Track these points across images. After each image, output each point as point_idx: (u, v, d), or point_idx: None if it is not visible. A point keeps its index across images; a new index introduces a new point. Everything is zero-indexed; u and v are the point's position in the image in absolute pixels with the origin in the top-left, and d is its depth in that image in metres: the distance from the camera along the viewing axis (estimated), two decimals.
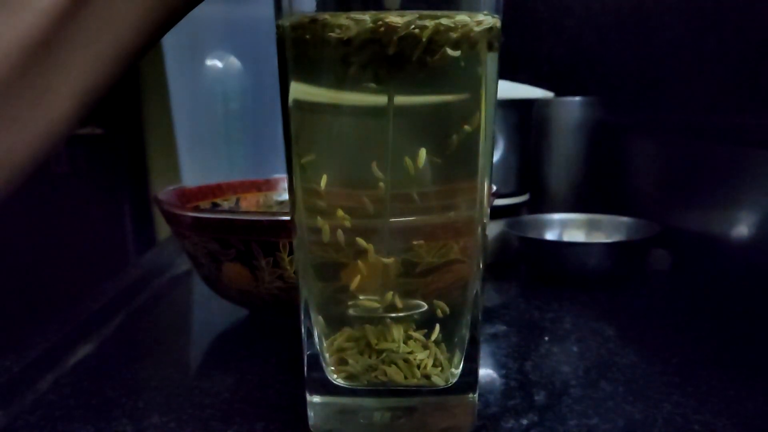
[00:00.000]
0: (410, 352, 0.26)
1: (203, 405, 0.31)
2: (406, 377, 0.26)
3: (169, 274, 0.59)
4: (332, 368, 0.27)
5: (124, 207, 1.15)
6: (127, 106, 1.10)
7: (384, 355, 0.26)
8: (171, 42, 0.79)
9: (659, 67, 0.67)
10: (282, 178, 0.52)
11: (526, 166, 0.59)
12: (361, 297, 0.26)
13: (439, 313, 0.26)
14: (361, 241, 0.25)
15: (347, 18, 0.23)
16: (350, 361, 0.26)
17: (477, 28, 0.23)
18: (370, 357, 0.26)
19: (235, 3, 0.75)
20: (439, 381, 0.26)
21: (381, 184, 0.24)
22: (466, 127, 0.24)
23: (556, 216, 0.57)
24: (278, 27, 0.25)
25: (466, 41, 0.23)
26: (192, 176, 0.82)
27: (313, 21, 0.23)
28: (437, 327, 0.26)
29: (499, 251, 0.55)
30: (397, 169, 0.24)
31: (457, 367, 0.27)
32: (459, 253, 0.25)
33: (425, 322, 0.26)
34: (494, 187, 0.39)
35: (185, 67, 0.80)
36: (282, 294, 0.38)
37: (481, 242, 0.26)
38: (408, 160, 0.24)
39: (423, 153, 0.24)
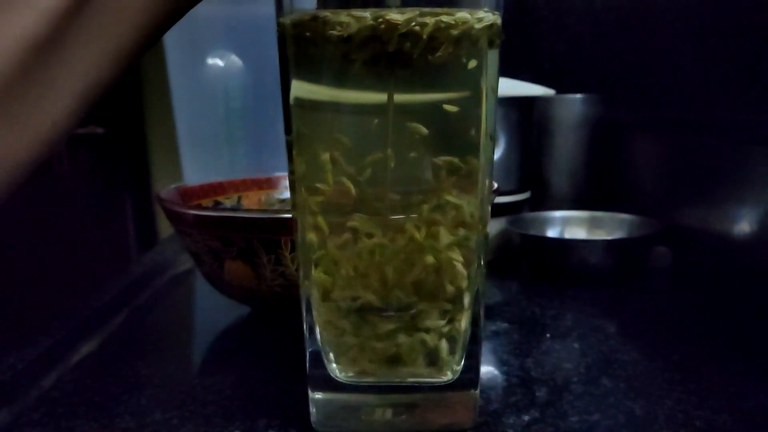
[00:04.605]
0: (413, 348, 0.26)
1: (205, 402, 0.31)
2: (408, 373, 0.26)
3: (171, 272, 0.59)
4: (334, 365, 0.27)
5: (126, 206, 1.16)
6: (128, 106, 1.11)
7: (386, 351, 0.26)
8: (172, 41, 0.79)
9: (660, 64, 0.67)
10: (283, 177, 0.52)
11: (527, 163, 0.59)
12: (362, 294, 0.26)
13: (441, 309, 0.26)
14: (362, 238, 0.25)
15: (348, 15, 0.23)
16: (352, 357, 0.27)
17: (477, 25, 0.24)
18: (372, 353, 0.26)
19: (236, 1, 0.76)
20: (443, 375, 0.26)
21: (382, 181, 0.24)
22: (466, 123, 0.25)
23: (558, 213, 0.57)
24: (279, 25, 0.25)
25: (467, 38, 0.23)
26: (193, 175, 0.82)
27: (314, 18, 0.23)
28: (438, 323, 0.26)
29: (501, 248, 0.55)
30: (397, 166, 0.24)
31: (458, 364, 0.27)
32: (460, 251, 0.26)
33: (427, 319, 0.26)
34: (495, 185, 0.40)
35: (186, 66, 0.80)
36: (284, 291, 0.38)
37: (483, 239, 0.26)
38: (409, 158, 0.24)
39: (401, 141, 0.24)
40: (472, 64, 0.24)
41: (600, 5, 0.73)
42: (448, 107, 0.24)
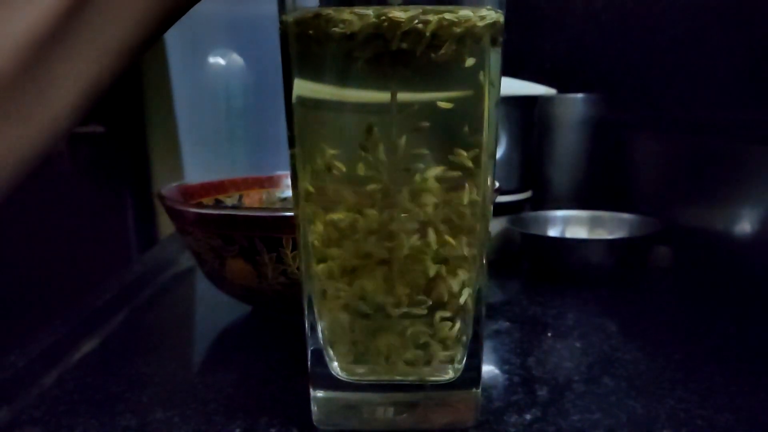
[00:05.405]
0: (414, 347, 0.26)
1: (206, 400, 0.31)
2: (411, 371, 0.26)
3: (172, 271, 0.59)
4: (336, 363, 0.27)
5: (127, 204, 1.16)
6: (129, 104, 1.10)
7: (388, 348, 0.26)
8: (173, 39, 0.79)
9: (662, 63, 0.67)
10: (285, 175, 0.52)
11: (528, 163, 0.59)
12: (363, 292, 0.26)
13: (442, 308, 0.26)
14: (364, 237, 0.25)
15: (351, 13, 0.23)
16: (355, 355, 0.27)
17: (480, 23, 0.23)
18: (374, 351, 0.26)
19: (237, 0, 0.76)
20: (445, 374, 0.26)
21: (384, 179, 0.24)
22: (469, 123, 0.24)
23: (559, 213, 0.57)
24: (281, 22, 0.25)
25: (470, 36, 0.23)
26: (195, 174, 0.82)
27: (317, 16, 0.23)
28: (440, 322, 0.26)
29: (502, 248, 0.55)
30: (400, 164, 0.24)
31: (460, 363, 0.27)
32: (462, 250, 0.25)
33: (429, 317, 0.26)
34: (497, 184, 0.40)
35: (188, 65, 0.80)
36: (285, 290, 0.38)
37: (484, 239, 0.26)
38: (411, 156, 0.24)
39: (404, 140, 0.24)
40: (475, 62, 0.24)
41: (601, 5, 0.73)
42: (442, 104, 0.24)
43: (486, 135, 0.25)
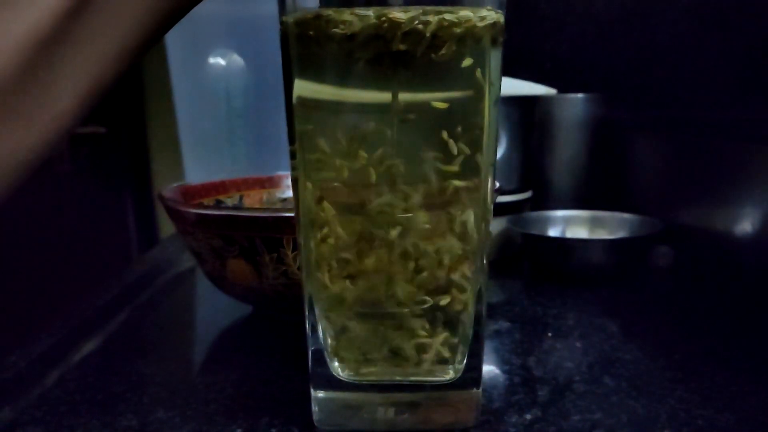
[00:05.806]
0: (417, 346, 0.26)
1: (207, 400, 0.31)
2: (412, 371, 0.26)
3: (172, 271, 0.59)
4: (336, 363, 0.27)
5: (127, 205, 1.16)
6: (130, 105, 1.11)
7: (389, 349, 0.26)
8: (174, 40, 0.79)
9: (662, 63, 0.67)
10: (285, 176, 0.52)
11: (528, 163, 0.59)
12: (364, 292, 0.26)
13: (443, 308, 0.26)
14: (364, 236, 0.25)
15: (351, 14, 0.23)
16: (356, 356, 0.27)
17: (480, 24, 0.24)
18: (375, 351, 0.26)
19: (238, 0, 0.76)
20: (445, 374, 0.26)
21: (384, 179, 0.24)
22: (470, 124, 0.25)
23: (559, 213, 0.57)
24: (282, 23, 0.25)
25: (470, 37, 0.23)
26: (195, 174, 0.82)
27: (317, 17, 0.23)
28: (442, 322, 0.26)
29: (503, 248, 0.55)
30: (400, 165, 0.24)
31: (460, 363, 0.27)
32: (462, 250, 0.26)
33: (429, 318, 0.26)
34: (497, 184, 0.40)
35: (188, 65, 0.80)
36: (286, 290, 0.38)
37: (485, 239, 0.26)
38: (411, 156, 0.24)
39: (402, 140, 0.24)
40: (475, 62, 0.24)
41: (602, 4, 0.73)
42: (436, 104, 0.24)
43: (486, 135, 0.25)
